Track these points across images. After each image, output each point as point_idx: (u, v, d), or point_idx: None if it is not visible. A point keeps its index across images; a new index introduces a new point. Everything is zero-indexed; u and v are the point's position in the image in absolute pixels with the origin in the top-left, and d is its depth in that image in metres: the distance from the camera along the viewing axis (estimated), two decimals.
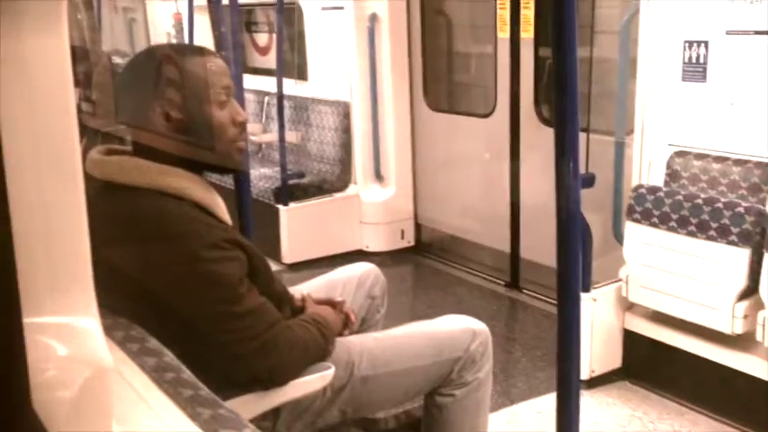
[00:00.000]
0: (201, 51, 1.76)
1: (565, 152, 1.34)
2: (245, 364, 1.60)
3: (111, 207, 1.58)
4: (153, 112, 1.64)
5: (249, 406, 1.59)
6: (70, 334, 1.17)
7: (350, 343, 1.88)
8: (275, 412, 1.77)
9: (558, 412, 1.56)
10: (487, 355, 1.99)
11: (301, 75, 5.38)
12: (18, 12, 1.08)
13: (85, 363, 1.16)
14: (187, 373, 1.23)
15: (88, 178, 1.58)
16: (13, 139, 0.99)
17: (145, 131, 1.66)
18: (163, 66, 1.67)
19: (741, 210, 2.61)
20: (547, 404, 3.05)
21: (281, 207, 4.75)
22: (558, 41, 1.30)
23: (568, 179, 1.33)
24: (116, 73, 6.56)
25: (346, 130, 4.98)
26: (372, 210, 4.97)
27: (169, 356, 1.29)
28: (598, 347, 3.16)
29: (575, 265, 1.40)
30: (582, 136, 3.05)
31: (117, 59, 6.53)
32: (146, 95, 1.66)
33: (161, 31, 7.02)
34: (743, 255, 2.61)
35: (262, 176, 5.06)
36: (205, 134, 1.68)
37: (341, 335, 1.92)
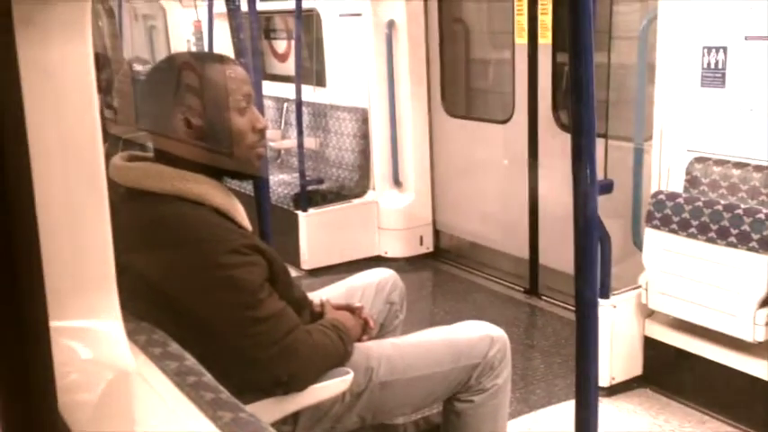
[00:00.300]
0: (222, 59, 1.79)
1: (581, 158, 1.34)
2: (264, 369, 1.62)
3: (132, 213, 1.61)
4: (174, 118, 1.67)
5: (269, 410, 1.60)
6: (94, 337, 1.19)
7: (369, 349, 1.89)
8: (295, 417, 1.78)
9: (576, 419, 1.56)
10: (506, 361, 1.99)
11: (320, 81, 5.41)
12: (44, 19, 1.11)
13: (108, 366, 1.18)
14: (208, 377, 1.24)
15: (111, 184, 1.60)
16: (39, 146, 1.01)
17: (166, 138, 1.69)
18: (184, 73, 1.70)
19: (762, 216, 2.59)
20: (566, 411, 3.03)
21: (300, 213, 4.77)
22: (575, 47, 1.30)
23: (585, 185, 1.34)
24: (137, 80, 6.66)
25: (364, 137, 5.01)
26: (391, 216, 4.98)
27: (191, 360, 1.31)
28: (618, 354, 3.14)
29: (591, 271, 1.41)
30: (600, 142, 3.09)
31: (138, 67, 6.62)
32: (167, 102, 1.69)
33: (181, 39, 7.10)
34: (764, 261, 2.59)
35: (281, 182, 5.09)
36: (225, 141, 1.71)
37: (360, 340, 1.93)
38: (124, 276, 1.37)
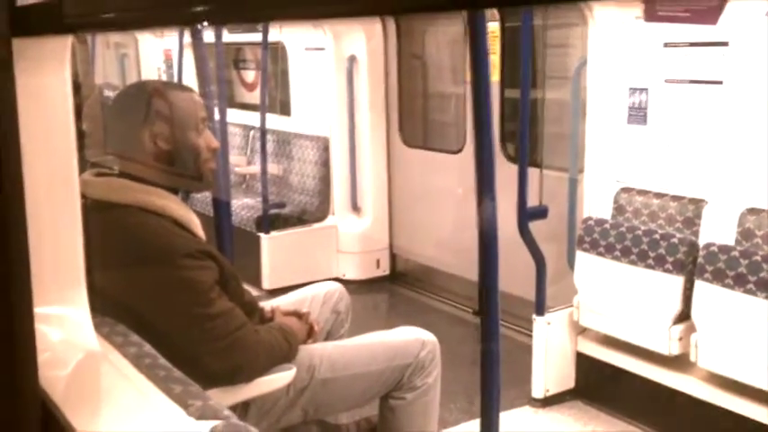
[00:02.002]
0: (182, 87, 2.05)
1: (485, 184, 1.52)
2: (214, 360, 1.83)
3: (100, 222, 1.83)
4: (140, 138, 1.91)
5: (218, 398, 1.80)
6: (66, 323, 1.41)
7: (312, 349, 2.11)
8: (244, 409, 1.99)
9: (481, 413, 1.75)
10: (435, 362, 2.22)
11: (284, 110, 5.66)
12: (36, 52, 1.33)
13: (78, 347, 1.39)
14: (162, 360, 1.46)
15: (81, 197, 1.84)
16: (28, 160, 1.24)
17: (132, 155, 1.93)
18: (152, 99, 1.94)
19: (675, 241, 2.88)
20: (504, 420, 3.25)
21: (262, 235, 4.97)
22: (474, 82, 1.51)
23: (488, 210, 1.52)
24: (106, 105, 6.83)
25: (325, 164, 5.25)
26: (349, 239, 5.21)
27: (147, 347, 1.52)
28: (552, 368, 3.38)
29: (494, 283, 1.59)
30: (536, 172, 3.37)
31: (108, 92, 6.80)
32: (135, 124, 1.93)
33: (152, 67, 7.30)
34: (677, 282, 2.87)
35: (245, 206, 5.30)
36: (185, 158, 1.95)
37: (305, 343, 2.15)
38: (92, 277, 1.60)
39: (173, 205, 1.90)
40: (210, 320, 1.81)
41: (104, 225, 1.83)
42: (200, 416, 1.25)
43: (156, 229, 1.84)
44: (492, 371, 1.66)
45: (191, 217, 1.94)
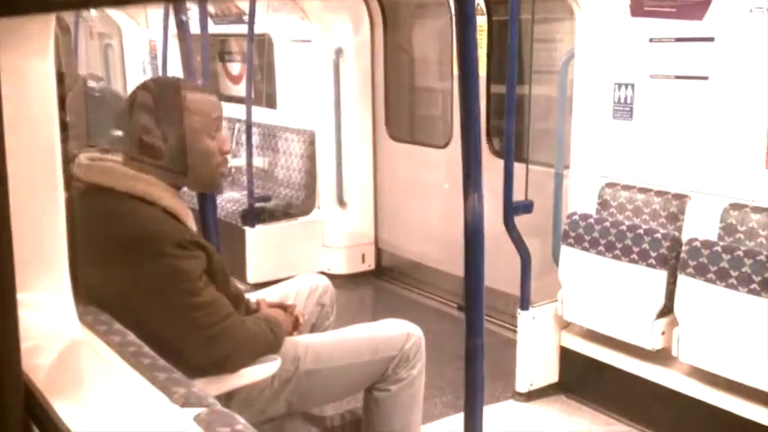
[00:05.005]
0: (201, 89, 2.03)
1: (471, 179, 1.50)
2: (201, 349, 1.82)
3: (91, 207, 1.81)
4: (148, 134, 1.88)
5: (203, 388, 1.79)
6: (50, 310, 1.39)
7: (297, 340, 2.11)
8: (228, 400, 1.98)
9: (465, 407, 1.75)
10: (420, 354, 2.22)
11: (270, 103, 5.64)
12: (20, 32, 1.31)
13: (62, 336, 1.37)
14: (146, 348, 1.45)
15: (74, 179, 1.82)
16: (11, 146, 1.22)
17: (139, 150, 1.90)
18: (164, 97, 1.93)
19: (659, 236, 2.89)
20: (487, 414, 3.26)
21: (247, 229, 4.96)
22: (462, 74, 1.50)
23: (474, 204, 1.51)
24: (90, 96, 6.77)
25: (311, 158, 5.24)
26: (335, 234, 5.20)
27: (132, 336, 1.51)
28: (536, 363, 3.40)
29: (479, 280, 1.59)
30: (522, 167, 3.37)
31: (91, 83, 6.74)
32: (144, 120, 1.90)
33: (136, 58, 7.25)
34: (660, 276, 2.89)
35: (230, 199, 5.28)
36: (194, 159, 1.94)
37: (290, 334, 2.15)
38: (80, 263, 1.58)
39: (166, 195, 1.88)
40: (197, 310, 1.80)
41: (96, 210, 1.82)
42: (185, 403, 1.24)
43: (146, 217, 1.82)
44: (476, 365, 1.66)
45: (183, 208, 1.93)
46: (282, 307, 2.21)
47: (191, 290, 1.80)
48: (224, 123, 6.15)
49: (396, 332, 2.21)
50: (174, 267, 1.79)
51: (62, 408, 1.16)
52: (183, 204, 1.95)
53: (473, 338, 1.73)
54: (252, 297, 2.34)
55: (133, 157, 1.92)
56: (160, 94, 1.96)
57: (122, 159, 1.94)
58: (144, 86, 2.02)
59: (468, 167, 1.47)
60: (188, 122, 1.94)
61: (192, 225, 1.98)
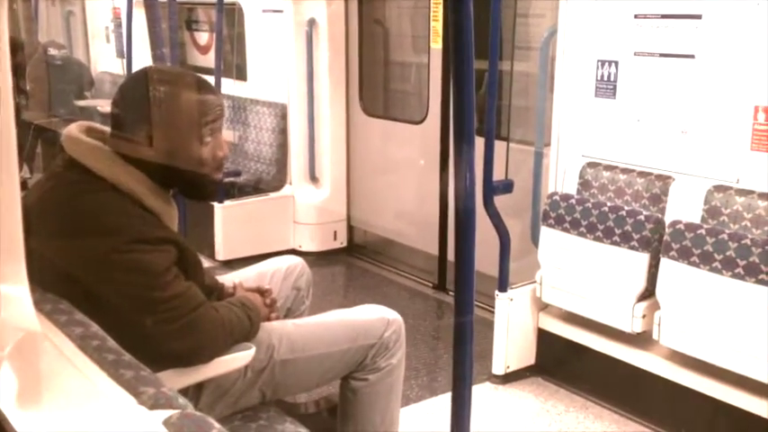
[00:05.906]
0: (200, 87, 1.85)
1: (462, 158, 1.41)
2: (167, 343, 1.70)
3: (64, 184, 1.68)
4: (139, 132, 1.74)
5: (172, 380, 1.68)
6: (4, 301, 1.26)
7: (271, 328, 2.00)
8: (197, 392, 1.87)
9: (452, 412, 1.66)
10: (400, 342, 2.13)
11: (240, 75, 5.47)
12: None
13: (16, 327, 1.25)
14: (111, 342, 1.33)
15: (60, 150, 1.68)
16: None
17: (133, 141, 1.75)
18: (153, 97, 1.76)
19: (642, 218, 2.83)
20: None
21: (216, 204, 4.81)
22: (455, 50, 1.40)
23: (464, 184, 1.41)
24: (51, 65, 6.50)
25: (283, 132, 5.10)
26: (306, 210, 5.09)
27: (95, 327, 1.39)
28: (513, 345, 3.34)
29: (470, 262, 1.50)
30: (503, 145, 3.28)
31: (52, 51, 6.49)
32: (133, 115, 1.76)
33: (99, 25, 6.99)
34: (642, 259, 2.83)
35: None
36: (180, 164, 1.79)
37: (268, 319, 2.04)
38: (40, 245, 1.45)
39: (147, 191, 1.74)
40: (165, 303, 1.68)
41: (68, 189, 1.68)
42: (153, 405, 1.13)
43: (117, 209, 1.68)
44: (464, 345, 1.58)
45: (167, 210, 1.79)
46: (260, 291, 2.09)
47: (156, 285, 1.67)
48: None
49: (375, 319, 2.11)
50: (139, 261, 1.65)
51: (14, 412, 1.05)
52: (168, 206, 1.81)
53: (462, 317, 1.64)
54: (228, 278, 2.22)
55: (124, 148, 1.76)
56: (156, 85, 1.80)
57: (110, 142, 1.79)
58: (143, 73, 1.86)
59: (458, 149, 1.37)
60: (176, 124, 1.79)
61: (174, 226, 1.84)
